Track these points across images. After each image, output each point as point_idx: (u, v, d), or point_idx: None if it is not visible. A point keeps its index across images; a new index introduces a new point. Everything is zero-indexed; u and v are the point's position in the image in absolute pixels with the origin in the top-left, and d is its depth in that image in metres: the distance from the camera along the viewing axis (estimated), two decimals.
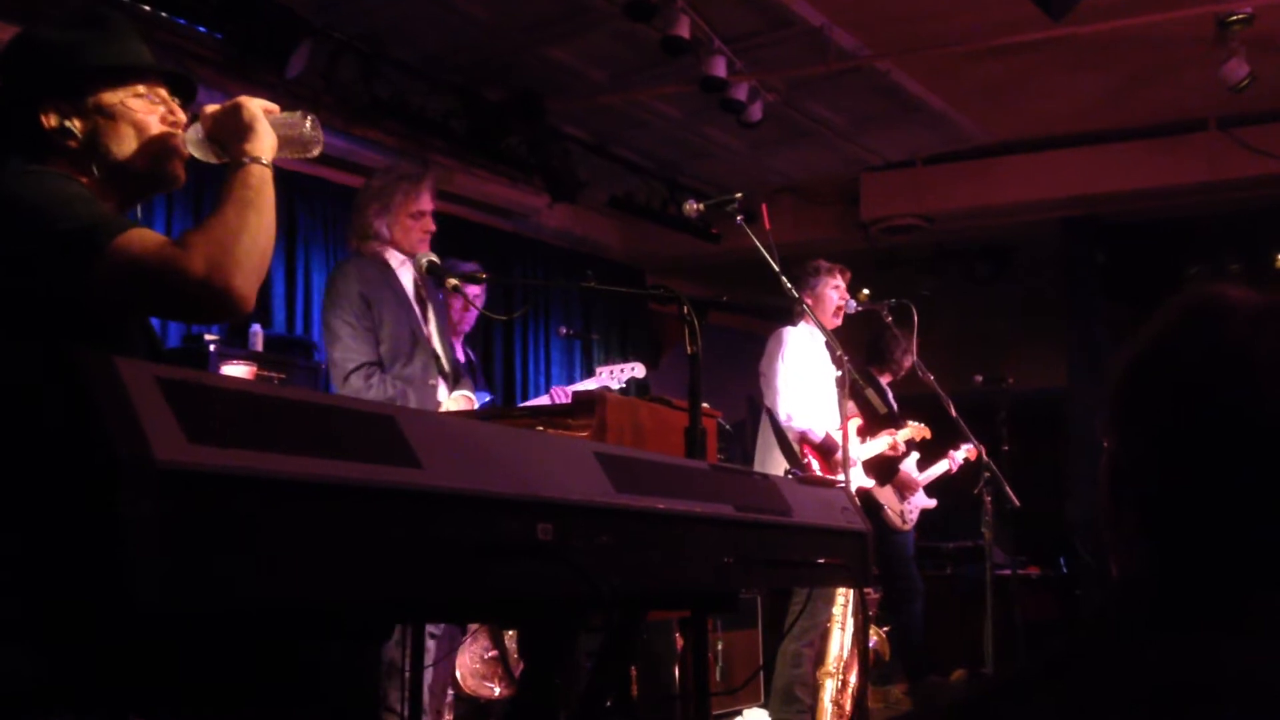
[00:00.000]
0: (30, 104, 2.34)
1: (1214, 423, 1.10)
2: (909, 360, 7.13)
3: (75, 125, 2.35)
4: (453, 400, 4.64)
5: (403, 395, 4.47)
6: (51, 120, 2.35)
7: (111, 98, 2.39)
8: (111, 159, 2.37)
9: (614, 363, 5.94)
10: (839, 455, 5.24)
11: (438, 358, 4.68)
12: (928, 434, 6.45)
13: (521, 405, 5.58)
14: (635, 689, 6.46)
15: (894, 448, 6.38)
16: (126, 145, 2.39)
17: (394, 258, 4.65)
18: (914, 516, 6.93)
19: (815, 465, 5.78)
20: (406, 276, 4.66)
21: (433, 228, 4.66)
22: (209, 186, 6.53)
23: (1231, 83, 7.00)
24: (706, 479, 2.12)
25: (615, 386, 5.90)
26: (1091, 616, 1.16)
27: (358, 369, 4.48)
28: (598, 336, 10.01)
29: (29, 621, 1.20)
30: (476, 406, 4.79)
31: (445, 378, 4.68)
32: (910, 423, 6.58)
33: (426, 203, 4.64)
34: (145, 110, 2.42)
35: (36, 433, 1.17)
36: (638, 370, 5.90)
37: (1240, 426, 1.09)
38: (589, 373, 10.03)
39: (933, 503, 7.07)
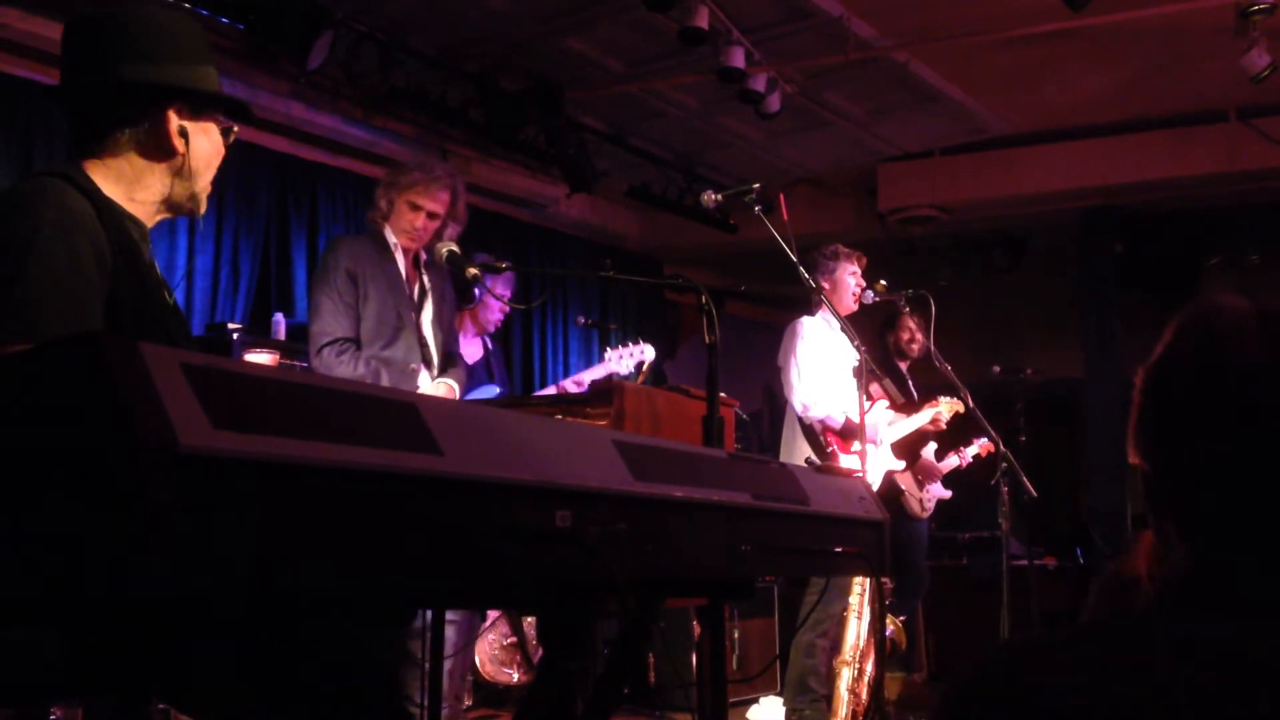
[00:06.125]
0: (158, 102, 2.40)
1: (1218, 431, 1.14)
2: (916, 347, 7.09)
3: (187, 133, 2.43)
4: (434, 386, 4.59)
5: (375, 375, 4.45)
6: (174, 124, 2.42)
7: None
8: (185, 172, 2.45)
9: (624, 346, 5.90)
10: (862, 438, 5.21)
11: (424, 344, 4.67)
12: (960, 409, 6.35)
13: (535, 395, 5.57)
14: (652, 676, 6.50)
15: (935, 421, 6.32)
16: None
17: (393, 239, 4.65)
18: (931, 505, 6.88)
19: (839, 451, 5.75)
20: (404, 260, 4.67)
21: (420, 228, 4.58)
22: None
23: (1252, 73, 6.98)
24: (724, 467, 2.13)
25: (624, 372, 5.90)
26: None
27: (331, 343, 4.50)
28: (615, 326, 9.98)
29: (51, 604, 1.21)
30: (457, 394, 4.76)
31: (429, 364, 4.66)
32: (943, 398, 6.49)
33: (429, 202, 4.59)
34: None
35: (61, 416, 1.18)
36: (647, 353, 5.87)
37: (1239, 430, 1.12)
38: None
39: (948, 494, 7.02)
